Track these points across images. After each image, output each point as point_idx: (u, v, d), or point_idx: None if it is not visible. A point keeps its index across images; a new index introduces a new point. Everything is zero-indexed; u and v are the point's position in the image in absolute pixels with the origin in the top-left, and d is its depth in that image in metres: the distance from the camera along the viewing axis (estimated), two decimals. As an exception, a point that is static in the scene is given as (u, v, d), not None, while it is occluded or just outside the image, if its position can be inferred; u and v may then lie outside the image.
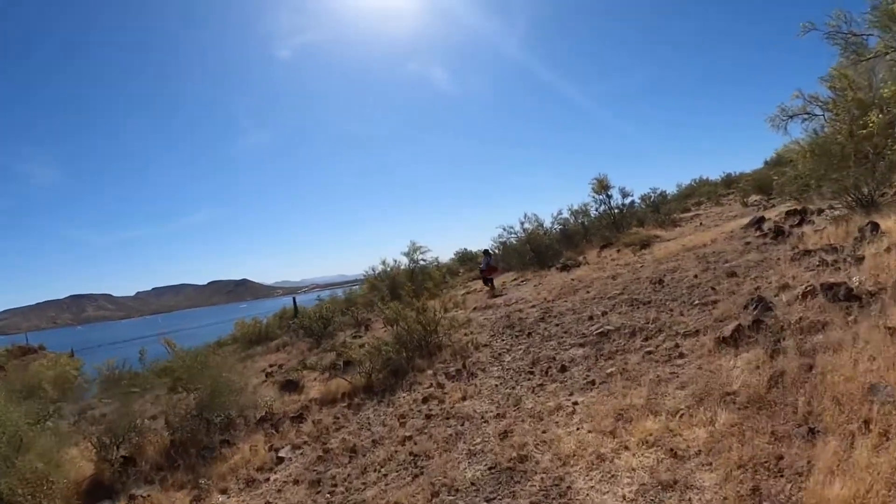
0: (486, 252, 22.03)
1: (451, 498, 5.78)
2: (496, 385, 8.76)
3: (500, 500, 5.48)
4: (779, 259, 10.58)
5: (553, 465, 5.71)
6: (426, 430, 7.65)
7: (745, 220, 16.94)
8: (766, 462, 4.63)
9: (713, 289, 9.93)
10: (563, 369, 8.48)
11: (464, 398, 8.51)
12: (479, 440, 6.88)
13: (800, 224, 13.31)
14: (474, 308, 15.44)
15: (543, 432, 6.49)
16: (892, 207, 11.59)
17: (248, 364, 19.25)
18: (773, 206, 22.16)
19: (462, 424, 7.54)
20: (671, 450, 5.22)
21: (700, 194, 40.04)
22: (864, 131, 10.84)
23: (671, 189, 38.35)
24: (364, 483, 6.77)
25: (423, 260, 24.66)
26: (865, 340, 5.95)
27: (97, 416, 13.81)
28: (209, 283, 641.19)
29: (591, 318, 10.62)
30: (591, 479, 5.28)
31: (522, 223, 24.81)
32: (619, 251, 19.39)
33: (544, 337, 10.48)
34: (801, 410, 5.12)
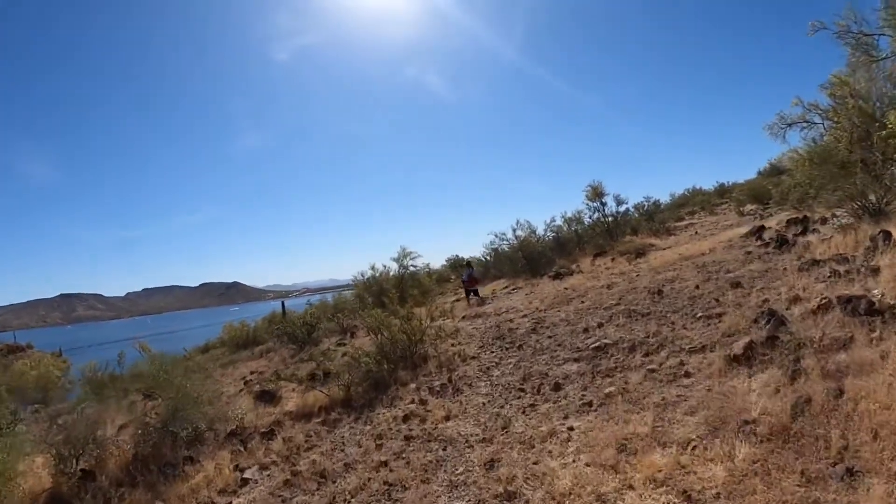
0: (467, 264, 21.97)
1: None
2: (483, 403, 8.03)
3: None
4: (785, 269, 10.05)
5: (546, 507, 4.97)
6: (404, 455, 6.86)
7: (743, 229, 16.64)
8: (798, 509, 3.92)
9: (717, 300, 9.32)
10: (557, 387, 7.76)
11: (447, 417, 7.76)
12: (461, 469, 6.10)
13: (803, 233, 12.94)
14: (463, 317, 14.83)
15: (535, 463, 5.69)
16: (902, 215, 11.05)
17: (229, 370, 18.65)
18: (771, 214, 21.83)
19: (444, 449, 6.77)
20: (684, 491, 4.43)
21: (693, 203, 40.03)
22: (885, 132, 10.25)
23: (664, 198, 38.17)
24: (331, 516, 6.05)
25: (414, 266, 24.32)
26: (896, 360, 5.26)
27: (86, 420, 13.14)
28: (200, 286, 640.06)
29: (585, 330, 9.97)
30: (590, 527, 4.55)
31: (515, 230, 24.65)
32: (613, 259, 19.02)
33: (536, 350, 9.81)
34: (834, 445, 4.38)
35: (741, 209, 28.14)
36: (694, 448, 5.03)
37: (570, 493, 4.88)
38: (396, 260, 24.05)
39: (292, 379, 11.18)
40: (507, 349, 10.46)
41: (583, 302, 12.26)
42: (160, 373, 10.54)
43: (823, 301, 7.26)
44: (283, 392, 11.75)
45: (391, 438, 7.56)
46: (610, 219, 25.85)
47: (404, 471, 6.36)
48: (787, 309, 7.73)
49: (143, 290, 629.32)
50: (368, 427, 8.27)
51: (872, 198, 12.11)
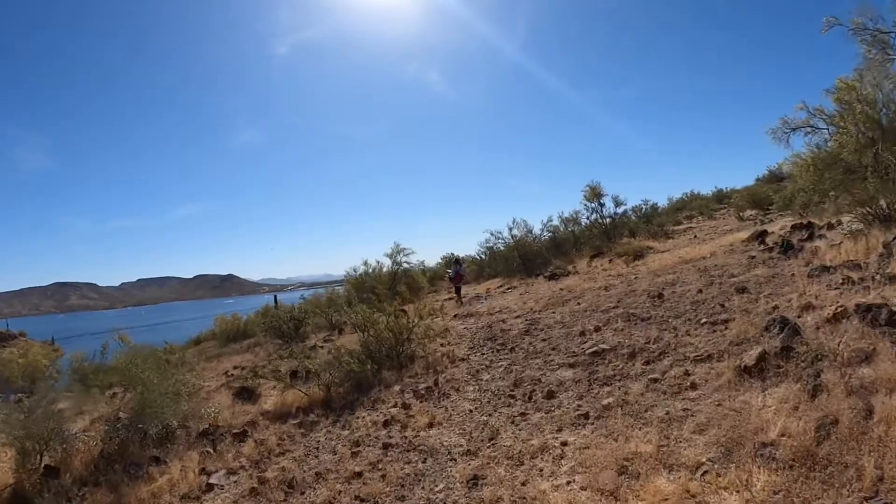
0: (456, 261, 21.38)
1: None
2: (470, 410, 7.45)
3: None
4: (793, 275, 9.55)
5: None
6: (380, 466, 6.25)
7: (744, 234, 16.26)
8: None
9: (722, 305, 8.77)
10: (550, 395, 7.19)
11: (431, 425, 7.19)
12: (441, 486, 5.49)
13: (810, 238, 12.49)
14: (455, 315, 14.33)
15: (523, 484, 5.06)
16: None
17: (213, 364, 18.08)
18: (772, 220, 21.39)
19: (424, 461, 6.18)
20: (695, 526, 3.84)
21: (692, 208, 39.70)
22: None
23: (662, 202, 37.74)
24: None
25: (408, 262, 23.89)
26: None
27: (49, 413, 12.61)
28: (195, 277, 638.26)
29: (582, 333, 9.43)
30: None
31: (511, 228, 24.18)
32: (610, 261, 18.61)
33: (529, 353, 9.26)
34: (868, 475, 3.78)
35: (741, 214, 27.64)
36: (705, 473, 4.41)
37: (564, 524, 4.24)
38: (390, 256, 23.63)
39: (269, 376, 10.61)
40: (498, 351, 9.97)
41: (579, 304, 11.74)
42: (128, 366, 9.93)
43: (839, 309, 6.75)
44: (263, 389, 11.19)
45: (369, 446, 6.98)
46: (608, 220, 25.29)
47: (379, 484, 5.76)
48: (798, 317, 7.20)
49: (138, 280, 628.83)
50: (346, 432, 7.69)
51: (883, 203, 11.63)
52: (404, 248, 23.73)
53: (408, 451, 6.56)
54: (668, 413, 5.70)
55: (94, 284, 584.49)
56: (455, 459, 6.05)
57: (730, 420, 5.10)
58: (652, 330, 8.51)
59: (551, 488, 4.85)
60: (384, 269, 23.76)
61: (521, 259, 22.57)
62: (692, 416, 5.51)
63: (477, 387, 8.35)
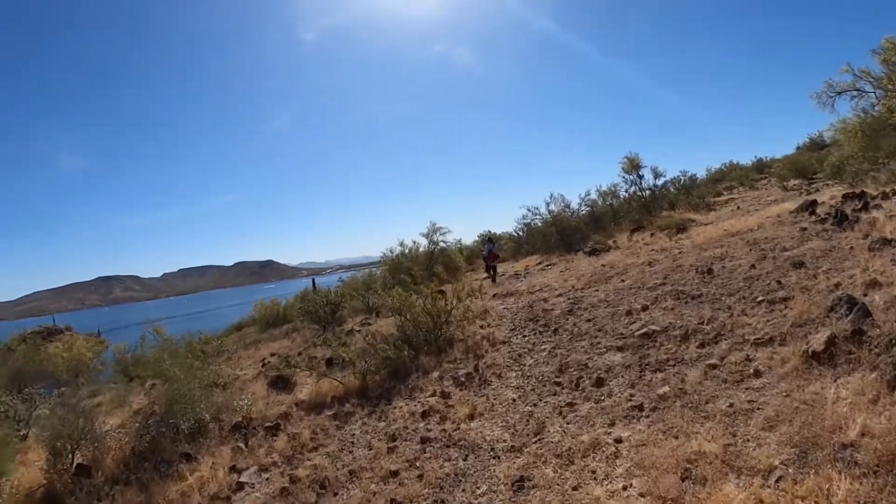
0: (489, 239, 20.88)
1: None
2: (513, 399, 7.04)
3: None
4: (852, 248, 8.97)
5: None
6: (418, 464, 5.88)
7: (790, 205, 15.46)
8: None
9: (778, 282, 8.19)
10: (599, 382, 6.72)
11: (472, 416, 6.80)
12: (483, 489, 5.08)
13: (864, 209, 11.64)
14: (494, 295, 13.94)
15: (574, 489, 4.61)
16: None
17: (251, 351, 17.97)
18: (818, 189, 20.52)
19: (465, 458, 5.79)
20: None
21: (731, 178, 38.55)
22: None
23: (701, 173, 36.68)
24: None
25: (444, 241, 23.48)
26: None
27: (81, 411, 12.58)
28: (235, 265, 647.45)
29: (628, 312, 8.94)
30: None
31: (548, 204, 23.62)
32: (652, 235, 17.97)
33: (573, 335, 8.81)
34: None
35: (784, 184, 26.65)
36: (779, 479, 3.88)
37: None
38: (426, 235, 23.22)
39: (302, 366, 10.34)
40: (541, 333, 9.55)
41: (623, 280, 11.24)
42: (156, 361, 9.74)
43: (911, 287, 6.16)
44: (299, 378, 10.91)
45: (406, 440, 6.63)
46: (647, 192, 24.51)
47: (416, 486, 5.38)
48: (864, 295, 6.66)
49: (179, 270, 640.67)
50: (382, 424, 7.36)
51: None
52: (440, 227, 23.25)
53: (447, 446, 6.19)
54: (731, 405, 5.18)
55: (137, 276, 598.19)
56: (498, 457, 5.65)
57: (802, 415, 4.57)
58: (704, 309, 7.98)
59: (606, 494, 4.38)
60: (420, 250, 23.28)
61: (560, 234, 22.03)
62: (759, 409, 4.98)
63: (520, 372, 7.95)
